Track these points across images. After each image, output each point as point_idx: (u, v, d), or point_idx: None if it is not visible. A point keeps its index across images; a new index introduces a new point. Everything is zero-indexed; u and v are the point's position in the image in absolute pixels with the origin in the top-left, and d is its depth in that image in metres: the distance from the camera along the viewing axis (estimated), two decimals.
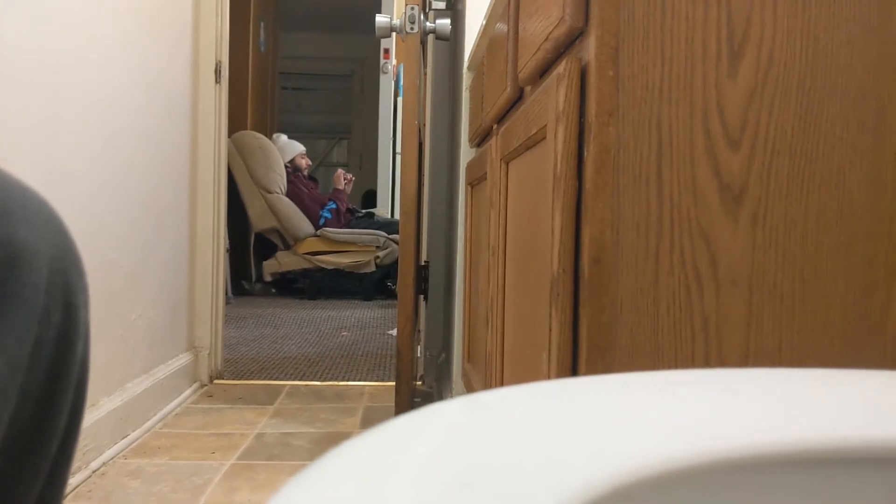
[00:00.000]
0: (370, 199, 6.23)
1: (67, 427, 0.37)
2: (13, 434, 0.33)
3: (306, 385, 2.31)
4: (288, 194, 4.35)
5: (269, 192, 4.25)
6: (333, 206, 4.42)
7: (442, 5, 2.17)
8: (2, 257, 0.32)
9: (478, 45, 1.55)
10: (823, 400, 0.27)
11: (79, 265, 0.38)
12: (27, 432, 0.34)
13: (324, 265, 4.25)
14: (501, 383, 1.02)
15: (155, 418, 1.85)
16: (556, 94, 0.65)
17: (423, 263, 2.09)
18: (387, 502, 0.17)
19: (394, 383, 1.80)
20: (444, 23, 1.71)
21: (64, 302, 0.36)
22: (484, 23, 1.37)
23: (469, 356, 1.60)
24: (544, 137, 0.73)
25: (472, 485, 0.19)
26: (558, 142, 0.64)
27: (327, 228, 4.32)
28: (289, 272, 4.32)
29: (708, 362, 0.63)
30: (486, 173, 1.24)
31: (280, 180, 4.33)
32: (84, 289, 0.38)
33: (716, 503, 0.24)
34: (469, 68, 1.77)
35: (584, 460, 0.22)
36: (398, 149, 5.27)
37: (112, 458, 1.58)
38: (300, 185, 4.47)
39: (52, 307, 0.35)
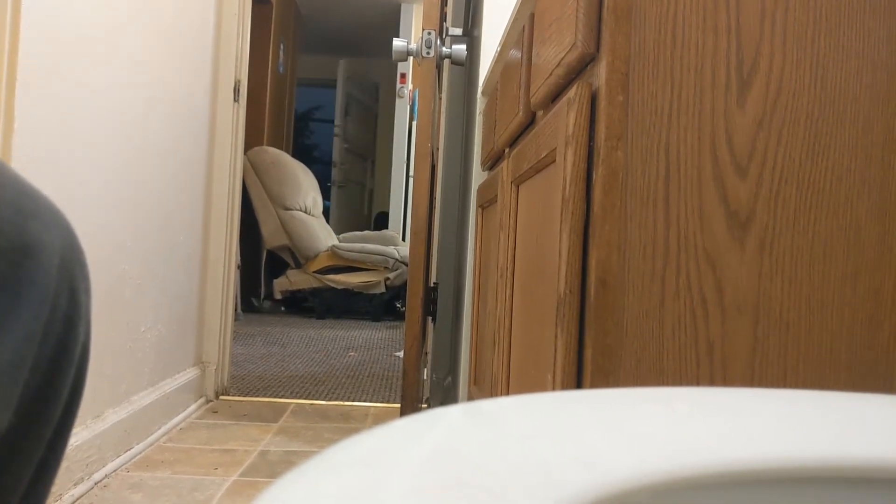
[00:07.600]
0: (382, 220, 6.27)
1: (68, 400, 0.43)
2: (25, 399, 0.39)
3: (311, 404, 2.30)
4: None
5: (286, 209, 4.27)
6: None
7: (458, 31, 2.21)
8: (18, 246, 0.38)
9: (492, 71, 1.57)
10: (816, 419, 0.27)
11: (81, 257, 0.43)
12: (36, 399, 0.40)
13: (334, 285, 4.27)
14: None
15: (159, 432, 1.85)
16: (566, 118, 0.66)
17: (432, 285, 2.10)
18: (384, 494, 0.18)
19: (399, 405, 1.80)
20: (460, 48, 1.74)
21: (69, 288, 0.41)
22: (498, 49, 1.39)
23: (475, 379, 1.59)
24: (554, 160, 0.74)
25: (468, 483, 0.19)
26: (567, 165, 0.65)
27: (338, 245, 4.34)
28: (299, 291, 4.33)
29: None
30: (496, 196, 1.25)
31: (293, 194, 4.33)
32: (86, 278, 0.44)
33: None
34: (483, 93, 1.80)
35: (578, 466, 0.22)
36: (412, 172, 5.30)
37: (115, 471, 1.59)
38: None
39: (59, 292, 0.40)
